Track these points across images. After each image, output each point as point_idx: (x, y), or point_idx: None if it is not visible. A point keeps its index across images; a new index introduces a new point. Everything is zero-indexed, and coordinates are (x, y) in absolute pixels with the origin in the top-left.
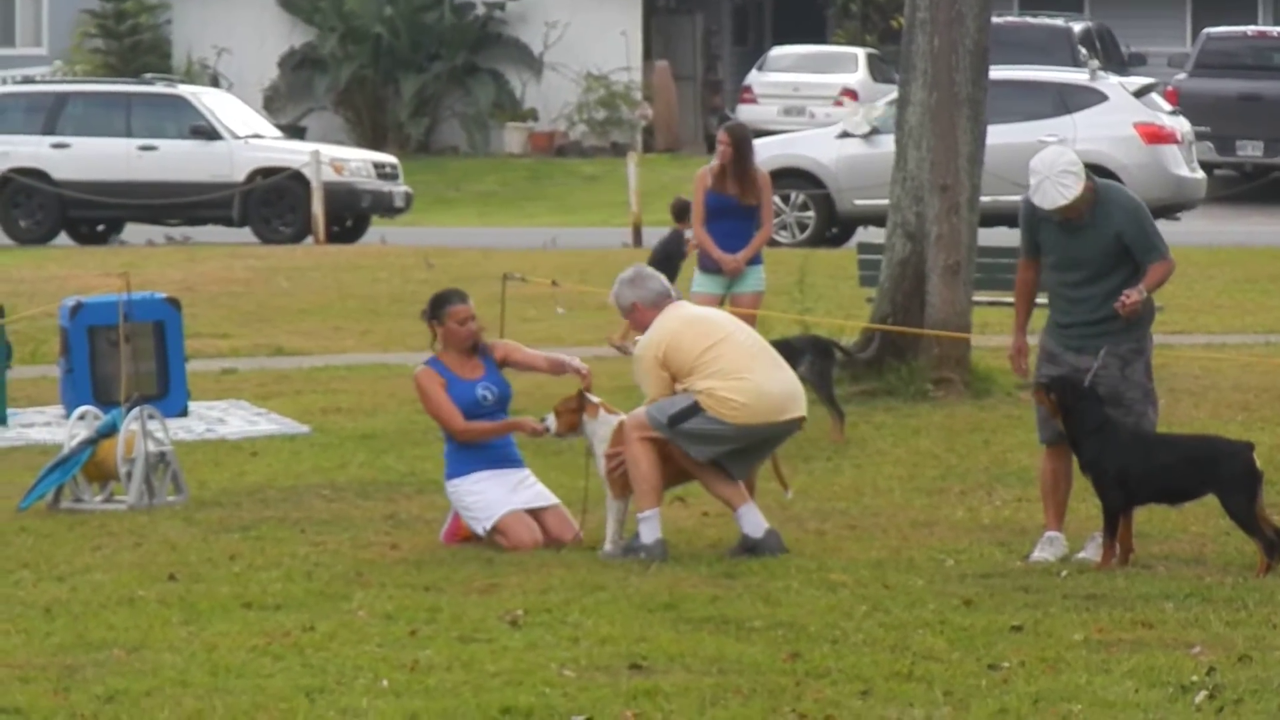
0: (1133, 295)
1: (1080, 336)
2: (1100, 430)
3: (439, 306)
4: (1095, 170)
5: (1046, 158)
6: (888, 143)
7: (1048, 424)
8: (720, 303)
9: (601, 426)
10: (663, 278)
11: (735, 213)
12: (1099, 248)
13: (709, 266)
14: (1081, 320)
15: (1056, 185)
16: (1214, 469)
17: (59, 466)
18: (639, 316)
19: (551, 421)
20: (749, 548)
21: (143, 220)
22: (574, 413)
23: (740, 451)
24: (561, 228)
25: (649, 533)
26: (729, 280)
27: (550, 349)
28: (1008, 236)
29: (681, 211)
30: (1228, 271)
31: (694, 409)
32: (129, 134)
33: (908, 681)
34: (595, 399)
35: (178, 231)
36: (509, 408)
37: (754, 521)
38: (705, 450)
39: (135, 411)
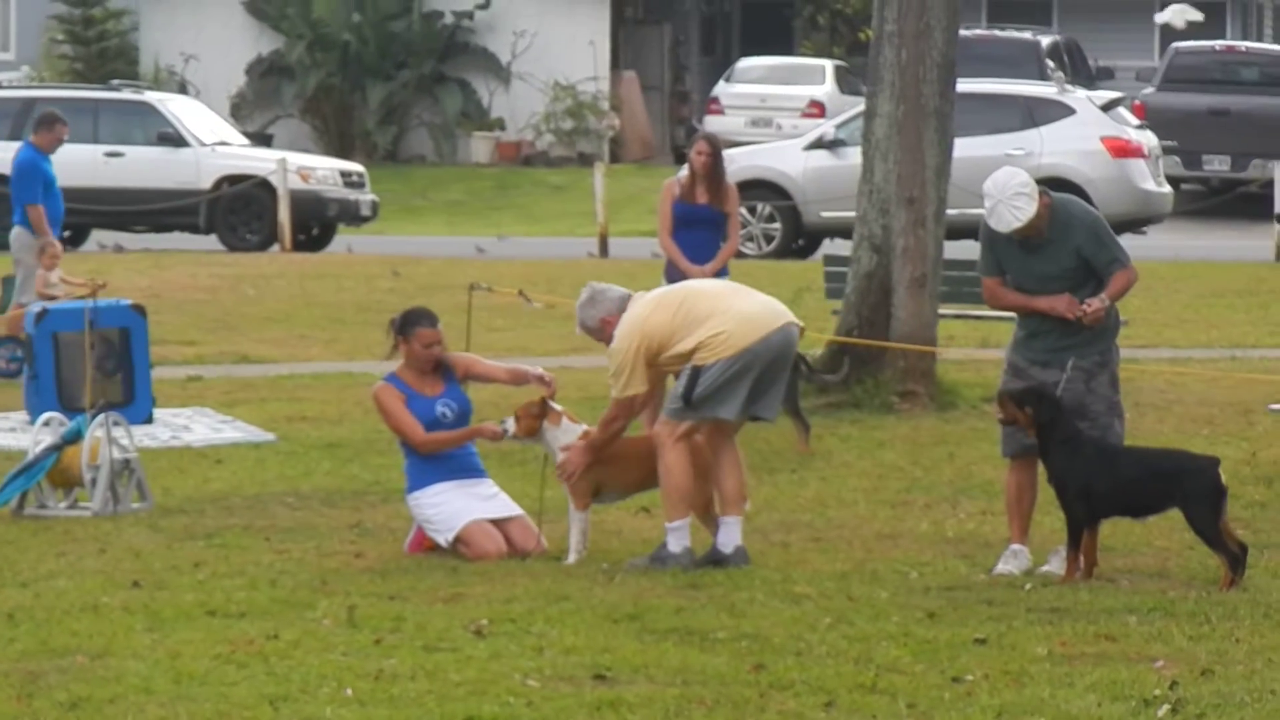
0: (1094, 303)
1: (1045, 350)
2: (1068, 443)
3: (409, 325)
4: (1061, 185)
5: (999, 180)
6: (854, 155)
7: (1012, 437)
8: None
9: (563, 435)
10: (616, 287)
11: (703, 223)
12: (1060, 264)
13: (675, 277)
14: (1046, 334)
15: (1010, 208)
16: (1179, 483)
17: (23, 472)
18: (612, 329)
19: (511, 424)
20: (715, 560)
21: (108, 227)
22: (535, 418)
23: (759, 386)
24: (527, 237)
25: (676, 542)
26: None
27: (518, 359)
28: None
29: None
30: (1193, 286)
31: (695, 372)
32: (96, 140)
33: (871, 694)
34: (558, 407)
35: (110, 239)
36: (469, 423)
37: (730, 536)
38: (732, 405)
39: (100, 418)
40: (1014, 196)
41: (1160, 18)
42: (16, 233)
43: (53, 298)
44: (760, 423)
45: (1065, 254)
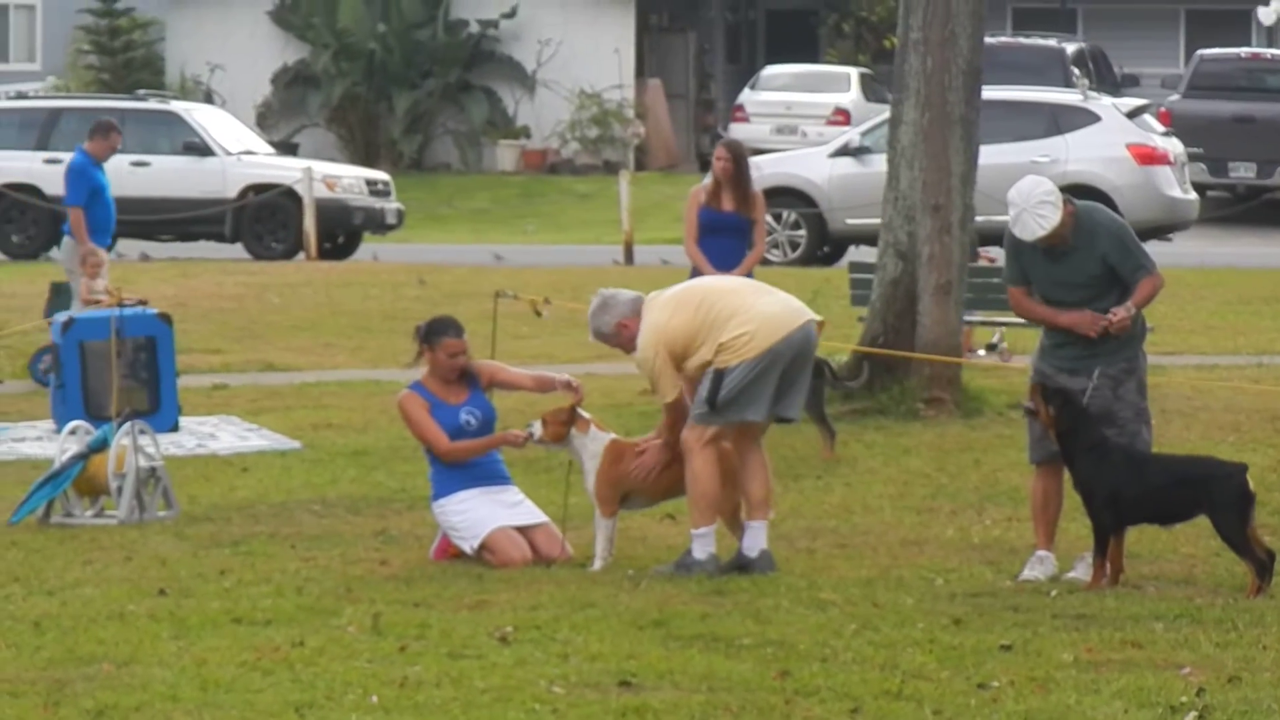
0: (1119, 312)
1: (1072, 359)
2: (1094, 449)
3: (435, 334)
4: (1087, 192)
5: (1023, 188)
6: (880, 162)
7: (1040, 444)
8: None
9: (591, 443)
10: (625, 290)
11: (729, 230)
12: (1086, 272)
13: None
14: (1072, 343)
15: (1034, 216)
16: (1207, 490)
17: (50, 481)
18: (629, 332)
19: (537, 428)
20: (740, 565)
21: (135, 236)
22: (563, 425)
23: (782, 385)
24: (553, 245)
25: (702, 549)
26: None
27: (543, 367)
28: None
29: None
30: (1220, 293)
31: (718, 375)
32: (122, 150)
33: (897, 700)
34: (586, 414)
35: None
36: (493, 430)
37: (756, 540)
38: (758, 407)
39: (126, 426)
40: (1038, 205)
41: (1264, 16)
42: (66, 241)
43: (97, 303)
44: (786, 424)
45: (1091, 262)
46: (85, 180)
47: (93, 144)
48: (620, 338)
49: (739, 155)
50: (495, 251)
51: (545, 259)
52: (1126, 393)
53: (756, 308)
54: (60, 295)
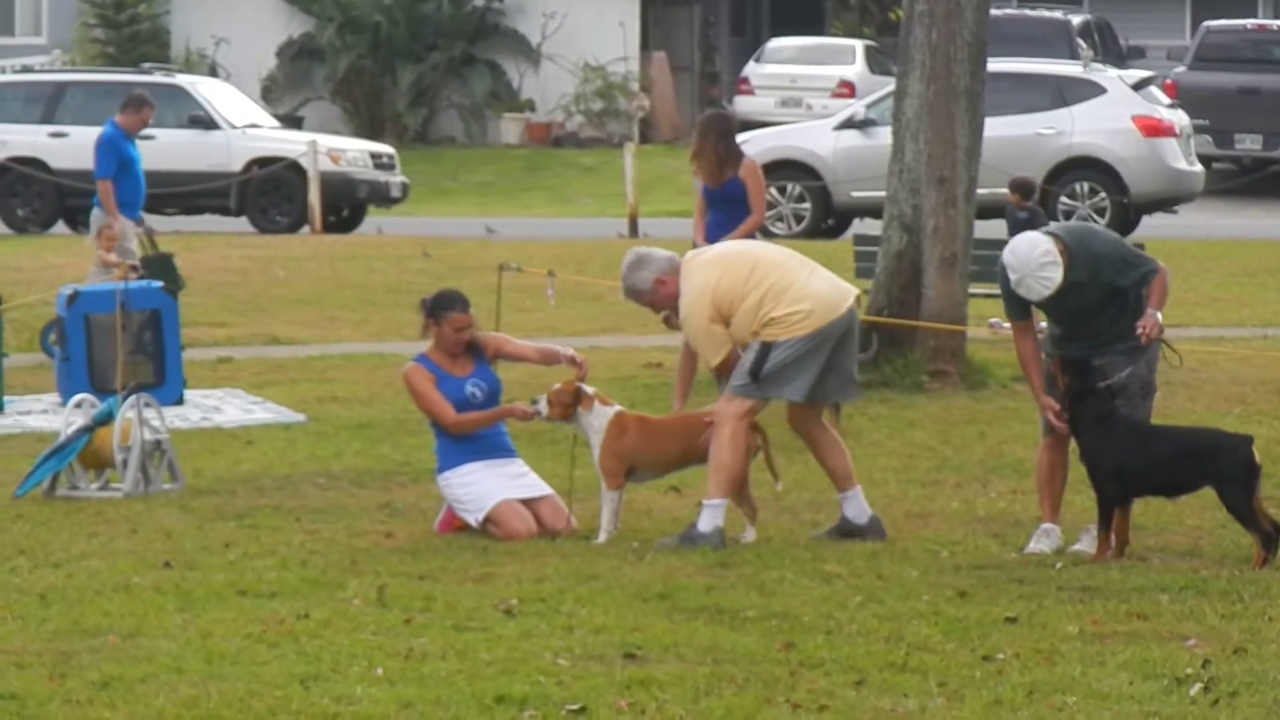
0: (1149, 323)
1: (1082, 349)
2: (1101, 421)
3: (440, 308)
4: (1092, 164)
5: (1020, 253)
6: (884, 135)
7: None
8: None
9: (596, 418)
10: (659, 249)
11: (724, 202)
12: (1093, 299)
13: None
14: (1086, 340)
15: (1038, 280)
16: (1213, 462)
17: (55, 454)
18: (667, 289)
19: (544, 405)
20: (848, 531)
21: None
22: (568, 405)
23: (828, 368)
24: (558, 219)
25: (709, 521)
26: None
27: (547, 339)
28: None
29: (1019, 187)
30: (1225, 265)
31: (765, 348)
32: None
33: (902, 672)
34: (590, 390)
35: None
36: (499, 403)
37: (859, 507)
38: (800, 384)
39: (131, 399)
40: (1040, 269)
41: None
42: (95, 213)
43: (115, 265)
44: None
45: (1096, 290)
46: (114, 153)
47: (124, 117)
48: (656, 294)
49: (705, 129)
50: (487, 224)
51: (549, 232)
52: (1137, 367)
53: (810, 286)
54: (151, 266)
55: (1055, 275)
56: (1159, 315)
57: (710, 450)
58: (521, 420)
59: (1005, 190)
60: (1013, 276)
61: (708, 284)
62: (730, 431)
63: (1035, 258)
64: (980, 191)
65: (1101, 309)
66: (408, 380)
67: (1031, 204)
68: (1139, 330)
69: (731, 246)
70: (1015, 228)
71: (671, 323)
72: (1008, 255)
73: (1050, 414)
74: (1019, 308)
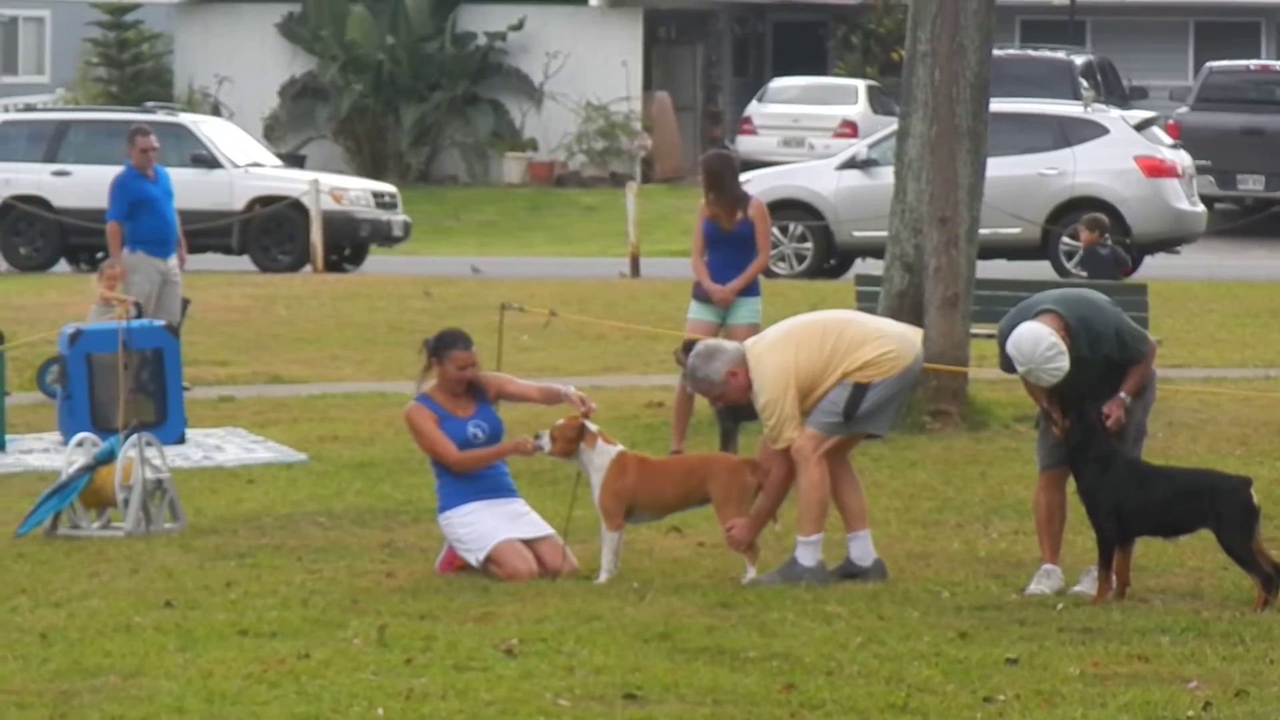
0: (1114, 411)
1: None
2: (1100, 460)
3: (444, 347)
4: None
5: (1024, 349)
6: (886, 175)
7: (1052, 450)
8: (715, 332)
9: (598, 456)
10: (725, 341)
11: (728, 243)
12: (1093, 370)
13: (703, 296)
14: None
15: (1046, 372)
16: (1212, 504)
17: (57, 493)
18: (738, 380)
19: (546, 442)
20: (852, 573)
21: None
22: (571, 441)
23: (900, 403)
24: (560, 258)
25: (810, 555)
26: (724, 311)
27: (549, 379)
28: (1006, 269)
29: (1097, 225)
30: (1227, 305)
31: (860, 390)
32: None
33: (903, 714)
34: (594, 428)
35: None
36: (502, 439)
37: (865, 549)
38: (884, 420)
39: (133, 439)
40: (1046, 361)
41: None
42: (125, 254)
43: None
44: (872, 439)
45: (1095, 363)
46: (124, 194)
47: (130, 154)
48: (728, 386)
49: (710, 169)
50: (473, 264)
51: (552, 271)
52: (1135, 409)
53: (885, 328)
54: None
55: (1063, 364)
56: (1126, 399)
57: (799, 491)
58: (523, 455)
59: (1006, 230)
60: (1020, 369)
61: (787, 364)
62: (817, 470)
63: (1041, 353)
64: (982, 232)
65: (1100, 377)
66: (410, 419)
67: (1108, 239)
68: (1106, 411)
69: (793, 323)
70: (1099, 265)
71: (681, 360)
72: (1012, 349)
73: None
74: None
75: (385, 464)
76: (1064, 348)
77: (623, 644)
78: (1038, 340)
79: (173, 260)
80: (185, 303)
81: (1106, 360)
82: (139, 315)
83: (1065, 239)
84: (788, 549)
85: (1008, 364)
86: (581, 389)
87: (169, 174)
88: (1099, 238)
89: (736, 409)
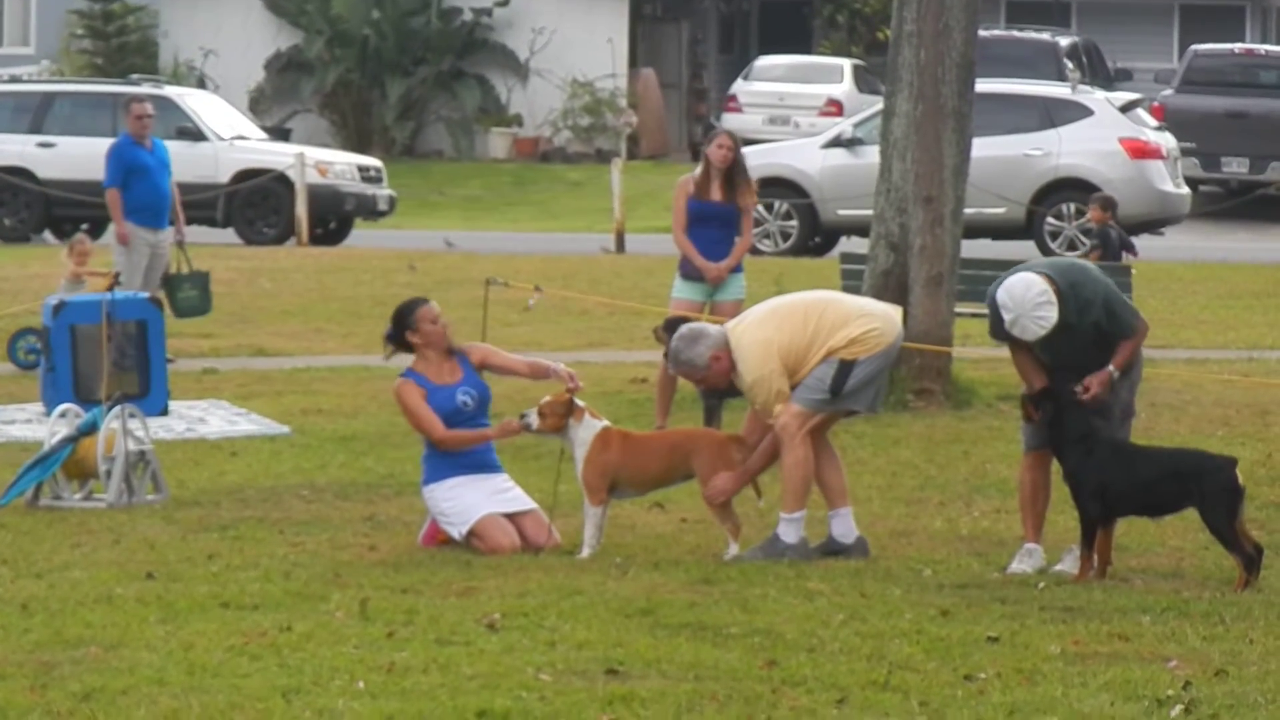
0: (1093, 386)
1: (1073, 379)
2: (1083, 440)
3: (406, 315)
4: (1079, 185)
5: (1015, 294)
6: (872, 153)
7: (1034, 432)
8: (701, 310)
9: (584, 430)
10: (708, 324)
11: (716, 220)
12: (1081, 340)
13: (690, 274)
14: (1073, 371)
15: (1033, 320)
16: (1196, 483)
17: (39, 464)
18: (721, 365)
19: (533, 418)
20: (834, 550)
21: None
22: (561, 416)
23: (884, 381)
24: (545, 233)
25: (794, 533)
26: (710, 288)
27: (534, 354)
28: (991, 249)
29: (1109, 204)
30: (1211, 287)
31: (846, 366)
32: (114, 134)
33: (884, 691)
34: (581, 403)
35: None
36: (489, 410)
37: (847, 526)
38: (868, 395)
39: (116, 410)
40: (1035, 308)
41: None
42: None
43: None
44: (853, 415)
45: (1083, 332)
46: (118, 161)
47: (127, 122)
48: (710, 370)
49: (739, 145)
50: (446, 238)
51: (537, 247)
52: (1119, 390)
53: (868, 307)
54: (169, 284)
55: (1051, 315)
56: (1114, 372)
57: (783, 467)
58: (508, 436)
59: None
60: (1007, 317)
61: (769, 340)
62: (802, 448)
63: (1031, 298)
64: (967, 211)
65: (1089, 346)
66: (398, 396)
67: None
68: (1084, 385)
69: (774, 303)
70: (1109, 247)
71: (660, 337)
72: (1002, 295)
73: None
74: (1004, 333)
75: (368, 437)
76: (1054, 299)
77: (605, 619)
78: (1029, 285)
79: (165, 232)
80: (204, 275)
81: (1095, 329)
82: (117, 287)
83: (1050, 220)
84: (770, 526)
85: (997, 323)
86: (566, 365)
87: (165, 146)
88: (1109, 218)
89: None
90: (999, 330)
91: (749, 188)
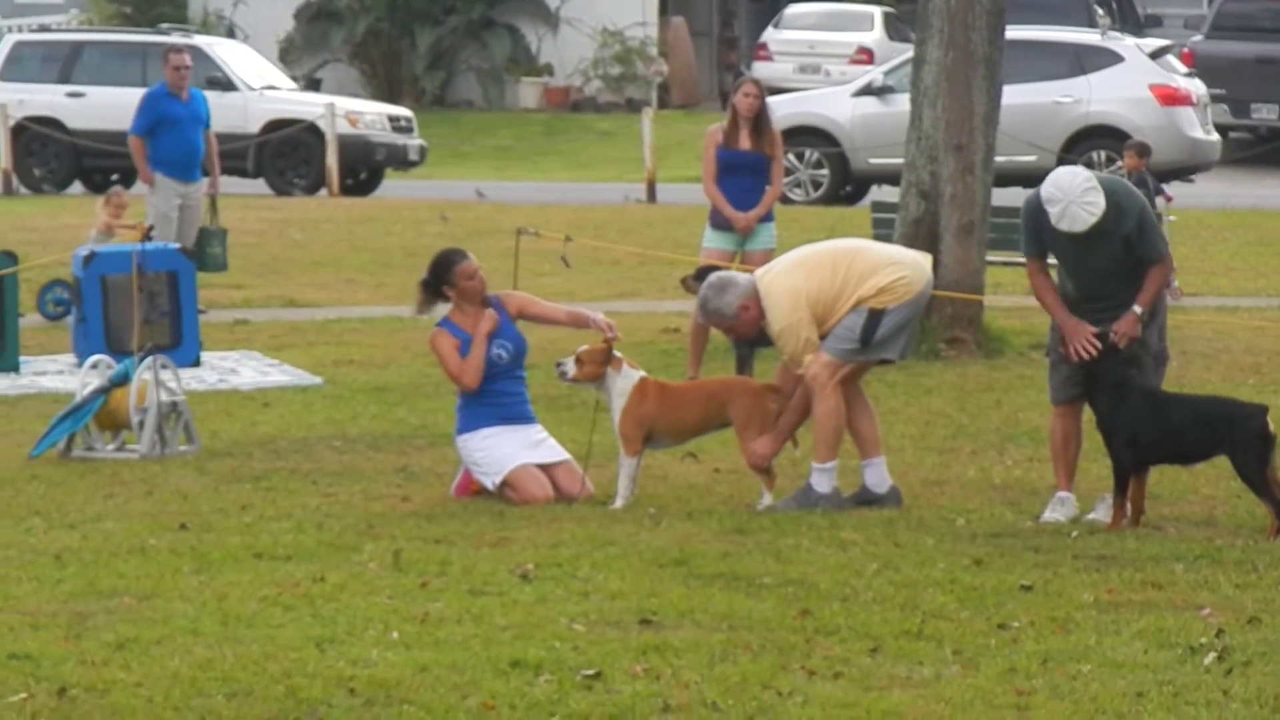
0: (1122, 328)
1: (1099, 313)
2: (1117, 388)
3: (444, 269)
4: (1109, 132)
5: (1061, 183)
6: (902, 101)
7: (1063, 386)
8: (732, 259)
9: (622, 380)
10: (737, 272)
11: (747, 169)
12: (1114, 255)
13: (720, 223)
14: (1099, 302)
15: (1082, 207)
16: (1228, 430)
17: (71, 415)
18: (750, 314)
19: (570, 367)
20: (867, 500)
21: None
22: (600, 364)
23: (913, 329)
24: (575, 183)
25: (826, 482)
26: (740, 237)
27: (564, 304)
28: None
29: (1144, 150)
30: (1241, 234)
31: (876, 315)
32: (144, 84)
33: (917, 640)
34: (618, 353)
35: None
36: (524, 362)
37: (880, 475)
38: (898, 344)
39: (148, 361)
40: (1084, 194)
41: None
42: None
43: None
44: (886, 365)
45: (1117, 243)
46: (149, 110)
47: (165, 72)
48: (739, 319)
49: (764, 92)
50: (477, 188)
51: (568, 196)
52: (1148, 336)
53: (897, 255)
54: (200, 238)
55: (1099, 200)
56: (1139, 312)
57: (815, 418)
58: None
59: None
60: (1054, 210)
61: (797, 288)
62: (834, 397)
63: (1079, 184)
64: (998, 159)
65: (1117, 266)
66: (433, 344)
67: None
68: (1114, 329)
69: (802, 252)
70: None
71: (690, 287)
72: (1048, 187)
73: (1079, 340)
74: (1036, 246)
75: (400, 388)
76: (1100, 188)
77: (638, 569)
78: (1074, 174)
79: (196, 184)
80: (224, 232)
81: (1125, 245)
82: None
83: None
84: (803, 475)
85: (1033, 231)
86: (602, 315)
87: (206, 99)
88: (1144, 164)
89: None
90: (1035, 240)
91: (775, 137)
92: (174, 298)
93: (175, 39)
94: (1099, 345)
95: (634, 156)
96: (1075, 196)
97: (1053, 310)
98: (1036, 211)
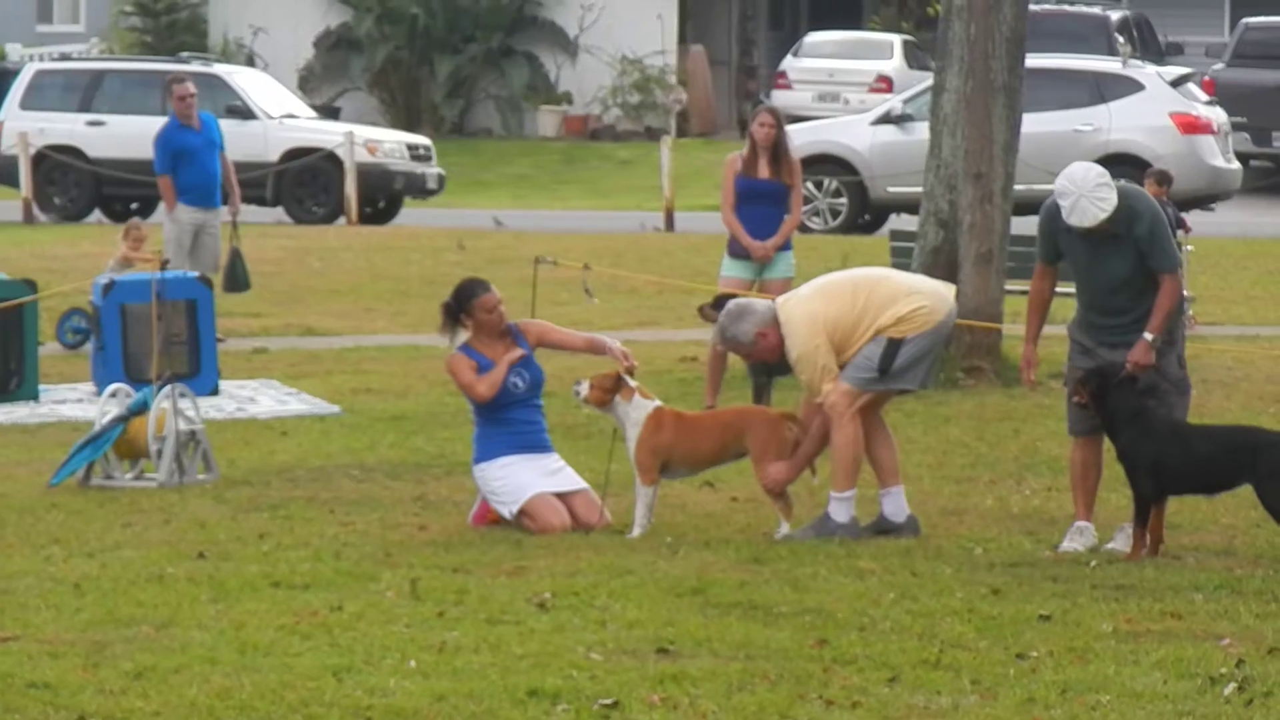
0: (1135, 356)
1: (1114, 333)
2: (1136, 419)
3: (465, 299)
4: (1130, 160)
5: (1075, 176)
6: (922, 130)
7: (1079, 417)
8: (750, 288)
9: (634, 410)
10: (756, 299)
11: (765, 198)
12: (1127, 263)
13: (738, 252)
14: (1111, 318)
15: (1093, 201)
16: (1251, 460)
17: (90, 443)
18: (768, 341)
19: (584, 388)
20: (885, 529)
21: None
22: (607, 391)
23: (934, 359)
24: (594, 211)
25: (844, 512)
26: (759, 266)
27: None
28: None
29: (1165, 179)
30: (1262, 263)
31: (894, 345)
32: (164, 112)
33: (935, 669)
34: (632, 383)
35: None
36: (541, 394)
37: (898, 504)
38: (918, 374)
39: (166, 390)
40: (1096, 189)
41: None
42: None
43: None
44: (905, 394)
45: (1128, 246)
46: (166, 147)
47: (172, 104)
48: (756, 346)
49: (782, 121)
50: (495, 216)
51: (586, 225)
52: (1168, 365)
53: (918, 284)
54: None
55: (1111, 197)
56: (1150, 339)
57: (833, 446)
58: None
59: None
60: (1065, 203)
61: (816, 315)
62: (852, 426)
63: (1092, 178)
64: (1017, 188)
65: (1129, 278)
66: (449, 366)
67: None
68: (1130, 358)
69: (823, 280)
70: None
71: (708, 315)
72: (1061, 180)
73: (1023, 374)
74: (1051, 250)
75: (418, 417)
76: (1113, 185)
77: (655, 598)
78: (1088, 168)
79: (215, 211)
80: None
81: (1136, 251)
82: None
83: None
84: (821, 504)
85: (1049, 233)
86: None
87: (217, 122)
88: (1164, 193)
89: (769, 363)
90: (1048, 243)
91: (794, 165)
92: (192, 326)
93: (193, 67)
94: (1078, 390)
95: (652, 185)
96: (1087, 190)
97: (1027, 324)
98: (1054, 214)
